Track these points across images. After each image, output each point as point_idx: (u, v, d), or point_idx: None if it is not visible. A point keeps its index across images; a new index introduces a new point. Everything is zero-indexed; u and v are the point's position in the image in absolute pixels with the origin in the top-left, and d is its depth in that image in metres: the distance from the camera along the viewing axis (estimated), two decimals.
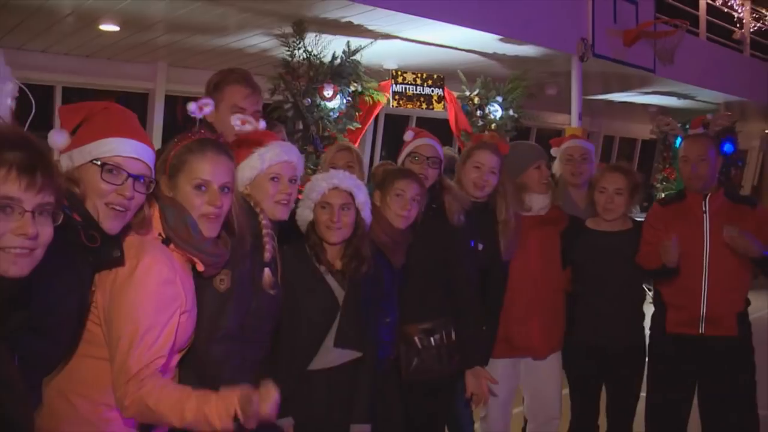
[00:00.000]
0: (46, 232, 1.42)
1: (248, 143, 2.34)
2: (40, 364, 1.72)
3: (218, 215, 1.99)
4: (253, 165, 2.31)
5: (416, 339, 2.90)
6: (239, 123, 2.32)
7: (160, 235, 1.92)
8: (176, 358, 1.95)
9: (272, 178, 2.32)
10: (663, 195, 11.85)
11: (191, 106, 2.07)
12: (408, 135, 3.20)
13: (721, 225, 3.22)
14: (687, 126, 11.41)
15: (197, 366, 2.03)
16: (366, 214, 2.64)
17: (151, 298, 1.79)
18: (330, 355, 2.53)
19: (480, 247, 3.15)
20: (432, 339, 2.91)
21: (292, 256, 2.47)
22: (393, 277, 2.82)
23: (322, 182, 2.57)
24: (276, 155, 2.33)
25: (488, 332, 3.21)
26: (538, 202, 3.41)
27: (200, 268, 1.96)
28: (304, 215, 2.59)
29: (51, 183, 1.41)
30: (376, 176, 2.85)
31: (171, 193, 1.98)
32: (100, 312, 1.81)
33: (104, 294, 1.80)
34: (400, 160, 3.16)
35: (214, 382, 1.97)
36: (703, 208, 3.35)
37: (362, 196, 2.63)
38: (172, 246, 1.93)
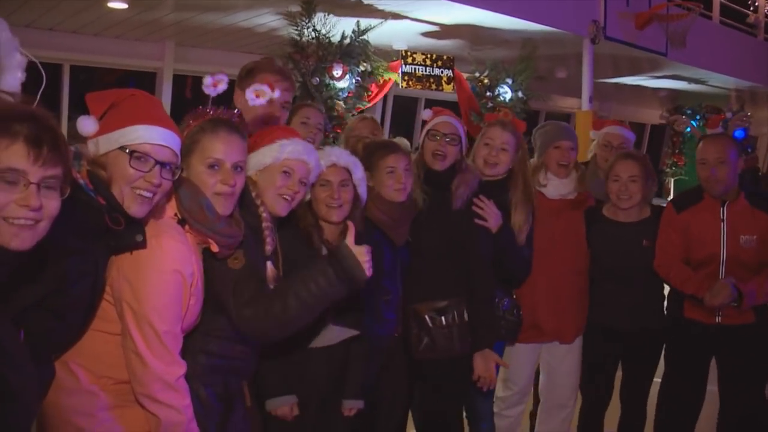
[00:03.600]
0: (51, 205, 1.41)
1: (274, 133, 2.33)
2: (51, 343, 1.73)
3: (232, 193, 2.00)
4: (271, 153, 2.28)
5: (427, 318, 2.87)
6: (253, 96, 2.30)
7: (175, 215, 1.94)
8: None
9: (284, 172, 2.29)
10: (674, 182, 11.82)
11: (207, 80, 2.06)
12: (426, 113, 3.14)
13: (739, 233, 3.17)
14: (698, 117, 11.34)
15: (233, 332, 2.06)
16: (362, 190, 2.63)
17: (170, 280, 1.82)
18: (330, 333, 2.54)
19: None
20: (443, 318, 2.87)
21: (293, 237, 2.45)
22: (394, 256, 2.79)
23: (320, 160, 2.51)
24: (296, 151, 2.31)
25: (506, 314, 3.16)
26: (555, 184, 3.35)
27: (215, 248, 1.96)
28: None
29: (58, 156, 1.40)
30: (357, 153, 2.79)
31: (184, 173, 1.97)
32: (114, 290, 1.82)
33: (120, 272, 1.81)
34: (420, 139, 3.11)
35: (260, 325, 2.03)
36: (721, 216, 3.24)
37: (359, 173, 2.61)
38: (186, 227, 1.94)
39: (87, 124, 1.76)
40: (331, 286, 2.00)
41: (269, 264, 2.23)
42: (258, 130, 2.39)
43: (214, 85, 2.07)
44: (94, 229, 1.72)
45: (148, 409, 1.82)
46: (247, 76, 2.67)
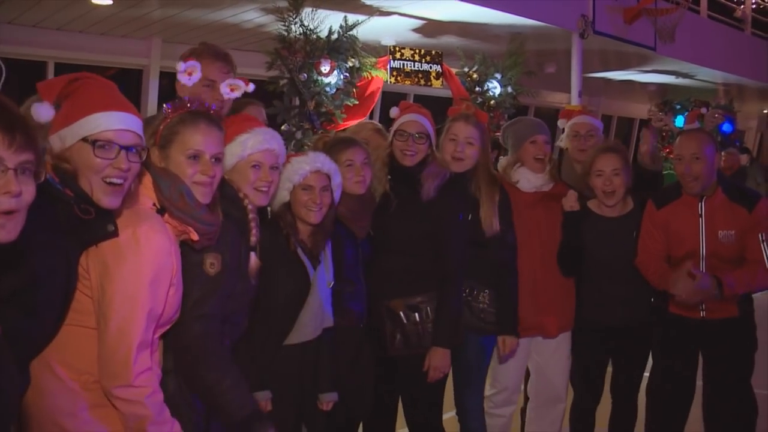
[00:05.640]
0: (29, 191, 1.42)
1: (230, 128, 2.31)
2: (25, 342, 1.70)
3: (211, 183, 2.03)
4: (234, 152, 2.30)
5: (401, 314, 2.92)
6: (228, 90, 2.29)
7: (154, 205, 1.93)
8: (159, 332, 1.95)
9: (253, 166, 2.33)
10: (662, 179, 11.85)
11: (180, 66, 2.05)
12: (393, 112, 3.15)
13: (717, 228, 3.18)
14: (686, 112, 11.36)
15: (178, 343, 2.04)
16: (337, 195, 2.70)
17: (149, 269, 1.81)
18: (304, 330, 2.59)
19: (469, 217, 3.10)
20: (417, 315, 2.91)
21: (268, 236, 2.47)
22: (355, 249, 2.84)
23: (305, 165, 2.59)
24: (258, 143, 2.34)
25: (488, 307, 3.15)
26: (528, 177, 3.33)
27: (195, 237, 1.97)
28: (281, 196, 2.59)
29: (31, 141, 1.41)
30: (318, 150, 2.82)
31: (163, 163, 2.01)
32: (93, 283, 1.80)
33: (97, 264, 1.79)
34: (389, 139, 3.11)
35: (197, 355, 2.03)
36: (699, 212, 3.24)
37: (338, 179, 2.69)
38: (166, 216, 1.94)
39: (42, 111, 1.73)
40: (234, 415, 2.05)
41: (252, 255, 2.27)
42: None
43: (188, 74, 2.06)
44: (64, 222, 1.71)
45: (114, 405, 1.79)
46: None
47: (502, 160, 3.52)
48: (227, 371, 2.07)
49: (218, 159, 2.05)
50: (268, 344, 2.53)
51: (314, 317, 2.60)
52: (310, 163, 2.60)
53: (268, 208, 2.63)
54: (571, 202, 3.30)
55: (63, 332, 1.81)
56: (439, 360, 2.92)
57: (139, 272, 1.80)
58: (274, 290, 2.50)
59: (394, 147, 3.03)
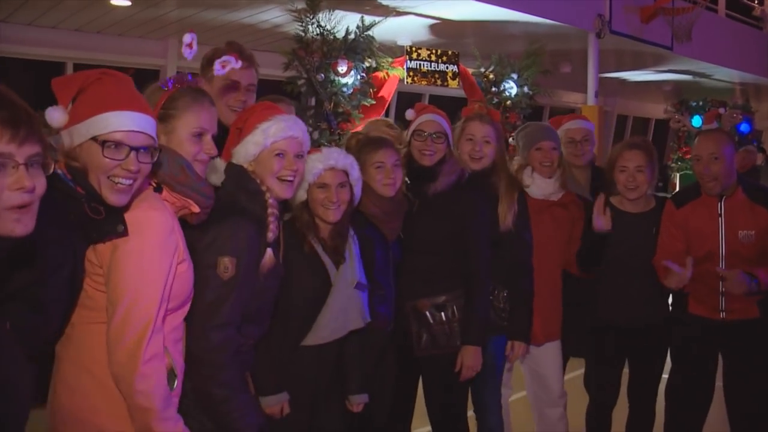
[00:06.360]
0: (41, 183, 1.40)
1: (251, 118, 2.29)
2: (31, 338, 1.66)
3: (207, 161, 2.06)
4: (257, 141, 2.23)
5: (428, 314, 2.91)
6: (220, 67, 2.29)
7: (150, 184, 1.87)
8: (180, 314, 1.91)
9: (277, 155, 2.24)
10: (680, 177, 11.78)
11: (186, 38, 2.08)
12: (409, 114, 3.18)
13: (737, 228, 3.15)
14: (704, 112, 11.29)
15: (192, 353, 2.00)
16: (357, 190, 2.63)
17: (153, 248, 1.76)
18: (322, 332, 2.52)
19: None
20: (443, 314, 2.91)
21: (289, 236, 2.43)
22: (386, 252, 2.81)
23: (318, 163, 2.49)
24: (280, 130, 2.25)
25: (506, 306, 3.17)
26: (539, 184, 3.36)
27: (196, 209, 1.92)
28: (298, 195, 2.51)
29: (36, 134, 1.38)
30: (351, 149, 2.80)
31: (163, 138, 1.95)
32: (104, 272, 1.76)
33: (106, 253, 1.75)
34: (406, 139, 3.13)
35: (211, 369, 2.00)
36: (719, 211, 3.21)
37: (356, 173, 2.60)
38: (164, 193, 1.89)
39: (55, 115, 1.70)
40: None
41: (269, 251, 2.20)
42: (238, 116, 2.40)
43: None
44: (73, 218, 1.68)
45: (121, 393, 1.74)
46: (209, 65, 2.67)
47: (514, 162, 3.54)
48: (237, 391, 2.04)
49: (214, 137, 2.06)
50: (284, 345, 2.47)
51: (334, 318, 2.53)
52: (324, 160, 2.50)
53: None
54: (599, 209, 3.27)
55: (87, 332, 1.79)
56: (471, 358, 2.91)
57: (142, 252, 1.74)
58: (291, 290, 2.45)
59: (412, 147, 3.04)
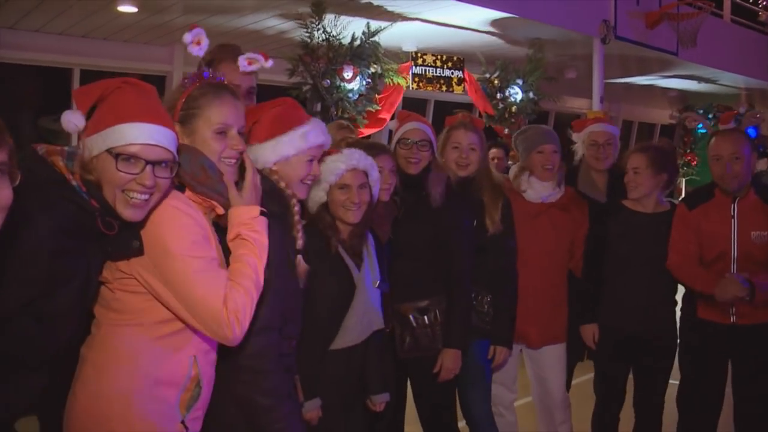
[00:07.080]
0: (3, 195, 1.31)
1: (289, 119, 2.23)
2: (36, 349, 1.64)
3: (237, 158, 1.95)
4: (296, 144, 2.17)
5: (411, 317, 2.95)
6: (246, 63, 2.24)
7: (172, 181, 1.82)
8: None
9: (309, 160, 2.21)
10: (685, 182, 11.76)
11: (186, 37, 1.97)
12: (392, 124, 3.24)
13: (750, 229, 3.18)
14: (710, 115, 11.27)
15: (234, 361, 1.95)
16: (376, 191, 2.64)
17: (188, 228, 1.75)
18: (350, 335, 2.53)
19: (474, 223, 3.17)
20: (426, 318, 2.95)
21: (310, 238, 2.38)
22: (380, 252, 2.83)
23: (341, 164, 2.49)
24: (316, 137, 2.21)
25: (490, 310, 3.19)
26: (535, 188, 3.38)
27: (220, 211, 1.89)
28: (318, 197, 2.50)
29: (2, 142, 1.29)
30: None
31: (186, 140, 1.89)
32: (149, 265, 1.74)
33: (133, 266, 1.74)
34: (392, 148, 3.14)
35: (253, 375, 1.95)
36: (732, 212, 3.24)
37: (375, 174, 2.63)
38: (188, 193, 1.86)
39: (71, 119, 1.65)
40: None
41: (300, 258, 2.18)
42: (263, 116, 2.27)
43: (196, 43, 2.01)
44: (88, 230, 1.64)
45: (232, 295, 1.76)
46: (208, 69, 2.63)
47: (513, 168, 3.56)
48: (283, 398, 1.99)
49: (242, 132, 1.96)
50: (313, 350, 2.44)
51: (360, 320, 2.54)
52: (346, 161, 2.50)
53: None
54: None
55: (113, 334, 1.77)
56: (450, 361, 2.96)
57: (179, 235, 1.73)
58: (318, 294, 2.41)
59: (397, 155, 3.06)
